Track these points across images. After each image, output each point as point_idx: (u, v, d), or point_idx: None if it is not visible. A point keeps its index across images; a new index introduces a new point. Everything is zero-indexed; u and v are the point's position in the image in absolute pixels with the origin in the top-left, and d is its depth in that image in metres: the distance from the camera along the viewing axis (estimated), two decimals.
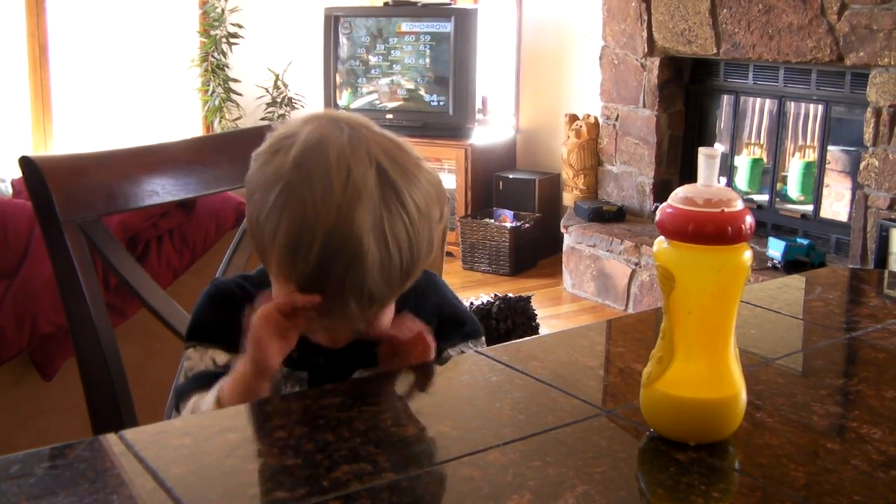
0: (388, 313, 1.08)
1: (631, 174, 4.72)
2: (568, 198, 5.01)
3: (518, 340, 1.22)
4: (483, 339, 1.20)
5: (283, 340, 1.01)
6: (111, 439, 0.85)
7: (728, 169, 4.43)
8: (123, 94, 5.41)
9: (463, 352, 1.16)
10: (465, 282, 4.72)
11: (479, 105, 5.50)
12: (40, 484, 0.77)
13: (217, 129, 5.56)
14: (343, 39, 5.53)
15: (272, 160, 1.00)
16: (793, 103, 4.20)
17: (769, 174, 4.34)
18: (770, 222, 4.23)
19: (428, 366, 1.09)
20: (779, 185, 4.31)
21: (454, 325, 1.18)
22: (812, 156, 4.17)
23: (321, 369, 1.10)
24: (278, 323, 1.00)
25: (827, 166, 4.05)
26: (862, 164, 3.69)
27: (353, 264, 0.95)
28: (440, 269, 2.66)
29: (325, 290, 0.97)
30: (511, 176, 5.23)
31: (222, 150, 1.43)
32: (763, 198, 4.34)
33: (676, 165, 4.65)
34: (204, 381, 1.08)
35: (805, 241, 3.85)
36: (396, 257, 0.98)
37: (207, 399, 1.06)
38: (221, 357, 1.10)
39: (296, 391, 1.09)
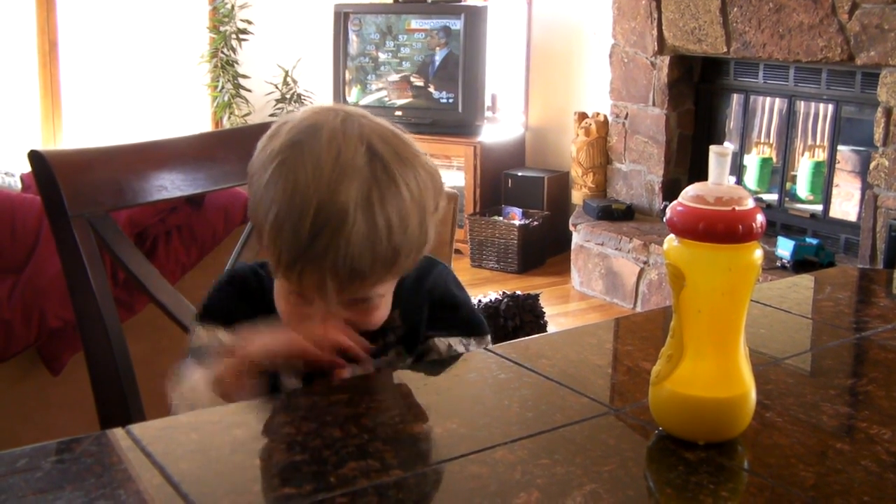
0: (384, 308, 1.07)
1: (640, 172, 4.71)
2: (577, 196, 5.01)
3: (526, 338, 1.21)
4: (488, 338, 1.18)
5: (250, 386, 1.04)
6: (118, 434, 0.85)
7: (737, 168, 4.42)
8: (133, 90, 5.42)
9: (451, 346, 1.14)
10: (474, 279, 4.72)
11: (488, 102, 5.49)
12: (47, 478, 0.77)
13: (226, 125, 5.56)
14: (353, 36, 5.53)
15: (269, 143, 1.03)
16: (803, 103, 4.19)
17: (778, 173, 4.33)
18: (779, 222, 4.22)
19: (436, 363, 1.09)
20: (788, 185, 4.30)
21: (446, 311, 1.16)
22: (822, 155, 4.16)
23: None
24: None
25: (836, 166, 4.04)
26: (872, 164, 3.68)
27: (336, 235, 0.96)
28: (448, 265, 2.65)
29: (307, 266, 0.98)
30: (520, 173, 5.22)
31: (231, 146, 1.43)
32: (772, 197, 4.33)
33: (685, 164, 4.64)
34: (205, 357, 1.09)
35: (814, 241, 3.84)
36: (384, 233, 0.98)
37: (197, 376, 1.07)
38: (228, 338, 1.10)
39: (301, 388, 1.09)
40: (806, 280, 1.55)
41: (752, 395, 0.87)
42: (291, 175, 0.98)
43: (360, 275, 0.99)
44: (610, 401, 0.98)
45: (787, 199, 4.29)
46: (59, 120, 5.15)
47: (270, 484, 0.78)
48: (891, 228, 3.53)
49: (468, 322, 1.17)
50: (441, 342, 1.14)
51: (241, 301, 1.13)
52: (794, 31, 3.87)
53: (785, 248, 3.79)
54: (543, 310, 3.51)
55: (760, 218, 0.83)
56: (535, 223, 4.95)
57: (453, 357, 1.10)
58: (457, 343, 1.15)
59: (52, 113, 5.12)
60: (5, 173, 2.61)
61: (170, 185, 1.32)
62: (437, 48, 5.34)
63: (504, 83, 5.72)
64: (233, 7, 5.53)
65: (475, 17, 5.20)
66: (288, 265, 0.99)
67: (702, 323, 0.85)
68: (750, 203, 0.83)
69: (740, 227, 0.82)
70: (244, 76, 5.61)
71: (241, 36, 5.57)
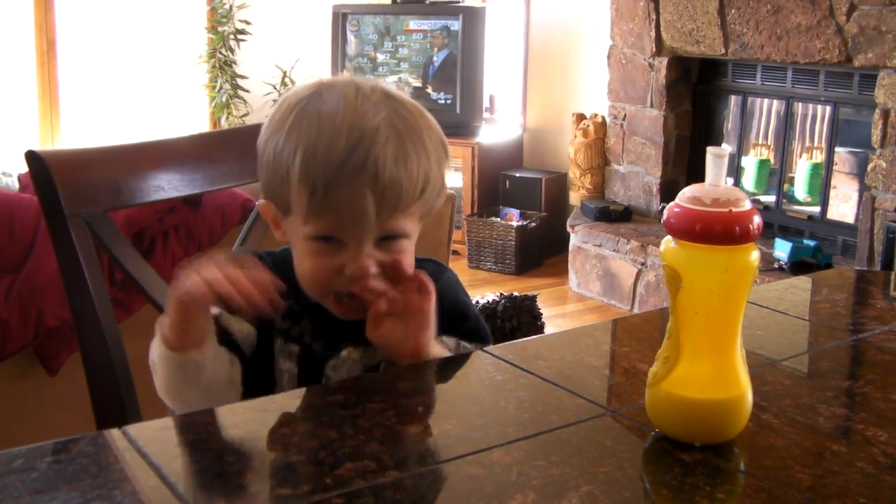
0: (410, 256, 1.08)
1: (638, 174, 4.72)
2: (574, 197, 5.01)
3: (523, 339, 1.21)
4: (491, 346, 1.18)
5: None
6: (115, 434, 0.85)
7: (735, 170, 4.42)
8: (131, 90, 5.42)
9: (461, 344, 1.14)
10: (471, 280, 4.72)
11: (486, 103, 5.49)
12: (43, 478, 0.77)
13: (224, 125, 5.55)
14: (351, 37, 5.53)
15: (279, 109, 1.06)
16: (800, 104, 4.19)
17: (776, 175, 4.34)
18: (777, 223, 4.22)
19: (432, 363, 1.09)
20: (786, 187, 4.30)
21: (456, 319, 1.16)
22: (819, 157, 4.16)
23: (312, 351, 1.11)
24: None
25: (834, 168, 4.04)
26: (869, 166, 3.68)
27: (371, 148, 0.99)
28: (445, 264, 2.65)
29: (346, 183, 0.99)
30: (518, 175, 5.22)
31: (228, 146, 1.43)
32: (770, 199, 4.33)
33: (683, 165, 4.64)
34: None
35: (812, 243, 3.85)
36: (413, 155, 1.02)
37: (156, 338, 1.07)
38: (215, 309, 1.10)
39: (298, 388, 1.09)
40: (803, 282, 1.55)
41: (749, 396, 0.87)
42: (315, 114, 1.01)
43: (398, 188, 1.01)
44: (606, 402, 0.98)
45: (784, 200, 4.29)
46: (57, 120, 5.15)
47: (267, 484, 0.78)
48: (888, 230, 3.53)
49: (476, 331, 1.18)
50: (449, 340, 1.14)
51: None
52: (792, 33, 3.87)
53: (782, 249, 3.80)
54: (541, 311, 3.51)
55: (757, 219, 0.83)
56: (533, 224, 4.95)
57: (450, 358, 1.10)
58: (459, 345, 1.14)
59: (49, 112, 5.12)
60: (3, 173, 2.61)
61: (167, 186, 1.32)
62: (436, 49, 5.34)
63: (502, 84, 5.72)
64: (231, 7, 5.52)
65: (473, 18, 5.20)
66: (326, 188, 1.00)
67: (698, 324, 0.85)
68: (747, 204, 0.83)
69: (737, 228, 0.82)
70: (242, 76, 5.61)
71: (240, 36, 5.57)
